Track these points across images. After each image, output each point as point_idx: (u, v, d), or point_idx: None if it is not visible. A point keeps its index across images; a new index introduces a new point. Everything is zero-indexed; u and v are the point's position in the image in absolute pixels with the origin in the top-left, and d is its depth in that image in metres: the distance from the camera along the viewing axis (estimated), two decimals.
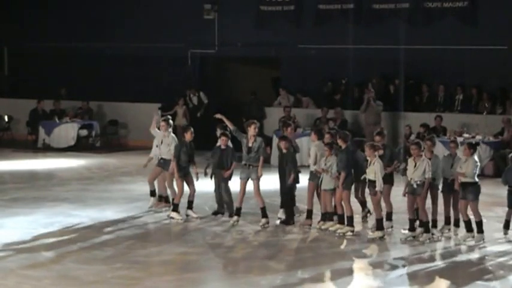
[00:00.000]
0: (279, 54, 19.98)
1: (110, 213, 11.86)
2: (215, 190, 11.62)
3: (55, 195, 13.25)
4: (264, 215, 11.05)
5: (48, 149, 19.08)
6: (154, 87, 20.48)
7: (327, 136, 10.93)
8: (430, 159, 10.21)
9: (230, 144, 11.49)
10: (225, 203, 11.54)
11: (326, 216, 10.84)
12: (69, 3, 21.90)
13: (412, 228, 10.26)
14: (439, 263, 9.43)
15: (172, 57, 20.59)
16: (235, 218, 11.19)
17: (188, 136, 11.31)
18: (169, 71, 20.64)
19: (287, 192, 11.10)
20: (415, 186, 10.07)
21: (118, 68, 21.11)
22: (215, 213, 11.62)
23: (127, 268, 8.93)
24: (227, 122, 11.41)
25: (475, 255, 9.71)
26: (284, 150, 11.00)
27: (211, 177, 11.53)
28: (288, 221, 11.06)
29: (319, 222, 10.91)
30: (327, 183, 10.66)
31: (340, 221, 10.66)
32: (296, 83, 19.60)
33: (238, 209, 11.21)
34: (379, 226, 10.34)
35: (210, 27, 20.57)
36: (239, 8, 20.12)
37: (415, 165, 10.06)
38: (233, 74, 21.08)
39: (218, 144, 11.51)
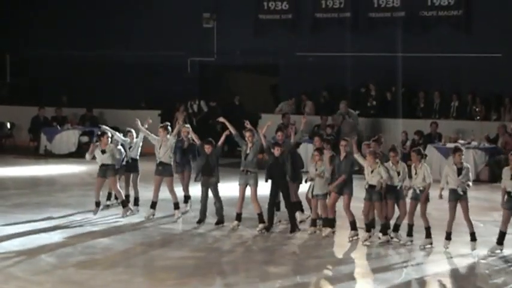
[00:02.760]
0: (277, 62, 20.17)
1: (111, 218, 11.97)
2: (202, 199, 11.59)
3: (57, 200, 13.36)
4: (261, 220, 11.14)
5: (49, 155, 19.20)
6: (154, 94, 20.67)
7: (327, 148, 11.09)
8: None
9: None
10: (215, 209, 11.58)
11: (317, 222, 11.00)
12: (70, 12, 22.03)
13: (410, 234, 10.34)
14: (439, 268, 9.50)
15: (172, 65, 20.76)
16: (235, 223, 11.30)
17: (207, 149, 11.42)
18: (169, 78, 20.81)
19: (288, 197, 11.13)
20: (417, 192, 10.18)
21: (119, 76, 21.28)
22: (199, 221, 11.59)
23: (128, 272, 9.05)
24: (229, 127, 11.48)
25: (474, 260, 9.79)
26: (277, 155, 10.94)
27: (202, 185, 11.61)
28: (293, 228, 11.07)
29: (309, 227, 11.06)
30: (319, 188, 10.81)
31: (325, 224, 10.84)
32: (294, 90, 19.76)
33: (239, 215, 11.31)
34: (384, 231, 10.48)
35: (209, 36, 20.79)
36: (238, 16, 20.32)
37: (415, 172, 10.18)
38: (232, 81, 21.26)
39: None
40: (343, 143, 10.77)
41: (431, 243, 10.24)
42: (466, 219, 10.06)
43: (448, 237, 10.11)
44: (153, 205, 11.98)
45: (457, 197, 10.00)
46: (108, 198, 12.69)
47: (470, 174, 10.13)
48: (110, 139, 12.00)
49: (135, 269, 9.28)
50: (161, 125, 12.17)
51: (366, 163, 10.45)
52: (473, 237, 10.09)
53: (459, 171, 9.99)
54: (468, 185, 10.00)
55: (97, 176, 12.02)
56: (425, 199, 10.13)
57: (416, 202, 10.20)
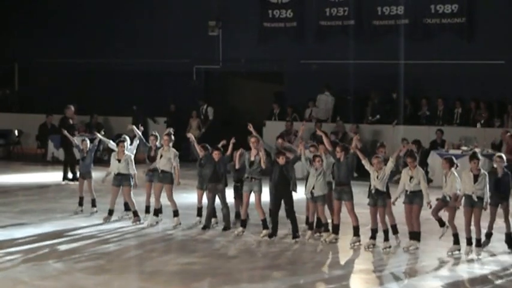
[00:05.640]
0: (281, 70, 20.19)
1: (117, 224, 12.06)
2: (208, 204, 11.68)
3: (64, 207, 13.43)
4: (265, 226, 11.22)
5: (57, 162, 19.23)
6: (160, 101, 20.80)
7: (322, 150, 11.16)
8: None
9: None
10: (222, 215, 11.69)
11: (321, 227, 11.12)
12: (77, 20, 22.09)
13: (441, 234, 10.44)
14: (442, 274, 9.52)
15: (177, 72, 20.80)
16: (240, 229, 11.39)
17: (215, 155, 11.53)
18: (174, 86, 20.85)
19: (291, 206, 11.09)
20: (447, 199, 10.20)
21: (125, 83, 21.31)
22: (204, 227, 11.67)
23: (133, 278, 9.16)
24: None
25: (478, 266, 9.84)
26: (281, 163, 10.96)
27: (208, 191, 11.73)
28: (296, 235, 11.04)
29: (307, 230, 11.18)
30: (319, 189, 10.83)
31: (327, 229, 10.94)
32: (298, 97, 19.78)
33: (244, 221, 11.40)
34: (386, 237, 10.54)
35: (214, 44, 20.83)
36: (243, 24, 20.36)
37: (445, 180, 10.23)
38: (237, 88, 21.26)
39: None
40: (338, 149, 10.81)
41: (459, 250, 10.23)
42: (475, 224, 10.09)
43: (469, 242, 10.13)
44: (156, 212, 12.10)
45: (472, 203, 10.05)
46: (93, 205, 12.89)
47: (487, 181, 10.06)
48: (125, 148, 12.11)
49: (141, 274, 9.35)
50: (165, 132, 12.22)
51: (371, 168, 10.48)
52: (478, 243, 10.13)
53: (475, 178, 10.04)
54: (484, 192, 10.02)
55: (112, 185, 12.15)
56: (456, 205, 10.16)
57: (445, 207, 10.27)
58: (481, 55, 17.80)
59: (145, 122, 19.51)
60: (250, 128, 11.55)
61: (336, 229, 10.92)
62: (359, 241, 10.75)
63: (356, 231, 10.76)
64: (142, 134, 12.63)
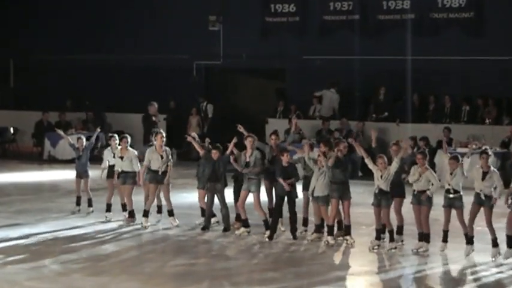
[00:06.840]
0: (284, 65, 20.11)
1: (114, 224, 11.93)
2: (207, 205, 11.55)
3: (60, 206, 13.34)
4: (267, 227, 11.07)
5: (53, 161, 19.19)
6: (160, 98, 20.56)
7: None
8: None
9: None
10: (222, 216, 11.51)
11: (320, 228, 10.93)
12: (74, 16, 22.04)
13: (445, 240, 10.23)
14: (447, 276, 9.44)
15: (177, 68, 20.71)
16: (242, 229, 11.25)
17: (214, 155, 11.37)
18: (174, 82, 20.72)
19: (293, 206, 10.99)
20: (451, 196, 10.06)
21: (124, 79, 21.22)
22: (203, 228, 11.52)
23: (132, 280, 9.01)
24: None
25: (486, 269, 9.66)
26: (285, 164, 10.90)
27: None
28: (295, 236, 10.98)
29: (312, 233, 10.98)
30: (319, 190, 10.65)
31: (330, 232, 10.73)
32: (301, 93, 19.65)
33: (245, 221, 11.26)
34: (391, 238, 10.37)
35: (215, 39, 20.74)
36: (244, 19, 20.28)
37: (453, 176, 10.04)
38: (238, 85, 21.18)
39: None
40: (341, 146, 10.68)
41: (473, 250, 10.07)
42: (487, 224, 9.91)
43: (470, 241, 10.00)
44: (160, 210, 12.05)
45: (480, 202, 9.89)
46: (90, 205, 12.69)
47: (496, 179, 9.86)
48: (128, 144, 11.93)
49: (140, 275, 9.21)
50: (159, 131, 12.11)
51: (375, 168, 10.33)
52: (494, 244, 9.92)
53: (484, 175, 9.87)
54: (493, 190, 9.82)
55: (120, 184, 11.97)
56: (461, 207, 10.04)
57: (450, 209, 10.08)
58: (489, 51, 17.71)
59: (101, 118, 19.36)
60: (241, 129, 11.50)
61: (331, 230, 10.73)
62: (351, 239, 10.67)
63: (348, 230, 10.68)
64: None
